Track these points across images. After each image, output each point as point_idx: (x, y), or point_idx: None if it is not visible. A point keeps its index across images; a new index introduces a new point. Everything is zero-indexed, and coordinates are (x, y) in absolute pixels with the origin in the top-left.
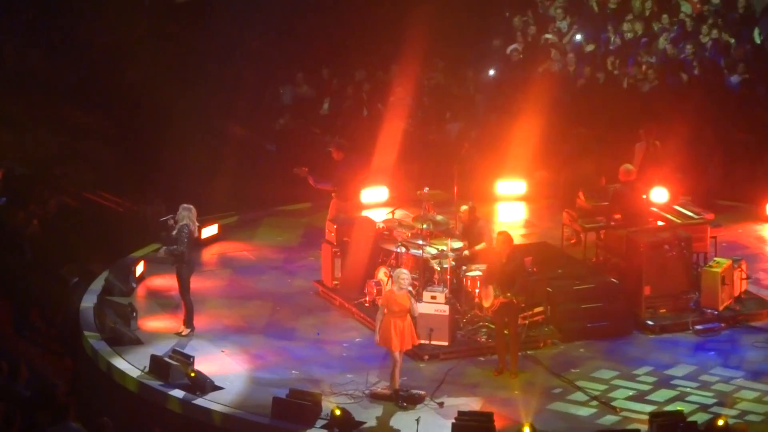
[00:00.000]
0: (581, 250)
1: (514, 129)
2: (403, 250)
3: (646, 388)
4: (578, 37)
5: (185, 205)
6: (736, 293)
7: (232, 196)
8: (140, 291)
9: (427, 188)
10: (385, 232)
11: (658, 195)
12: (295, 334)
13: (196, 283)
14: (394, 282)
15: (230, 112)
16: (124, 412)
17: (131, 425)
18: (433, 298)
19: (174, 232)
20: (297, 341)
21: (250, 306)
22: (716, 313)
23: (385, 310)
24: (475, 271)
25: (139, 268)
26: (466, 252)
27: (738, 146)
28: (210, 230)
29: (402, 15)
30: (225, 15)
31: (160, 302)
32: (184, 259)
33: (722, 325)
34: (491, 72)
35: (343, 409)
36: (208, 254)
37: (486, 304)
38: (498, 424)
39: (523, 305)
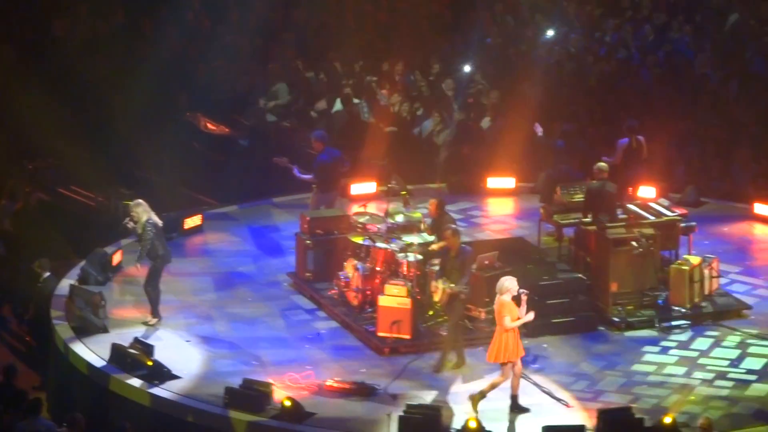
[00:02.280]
0: (559, 245)
1: (503, 125)
2: (370, 243)
3: (604, 384)
4: (550, 32)
5: (136, 201)
6: (707, 291)
7: (207, 189)
8: (117, 280)
9: (393, 182)
10: (358, 226)
11: (646, 192)
12: (263, 325)
13: (173, 271)
14: (507, 291)
15: (203, 106)
16: (96, 407)
17: (103, 419)
18: (396, 291)
19: (139, 232)
20: (264, 332)
21: (222, 297)
22: (684, 311)
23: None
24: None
25: (117, 258)
26: (433, 246)
27: (710, 142)
28: (193, 221)
29: (377, 8)
30: (198, 9)
31: (135, 292)
32: (159, 254)
33: (689, 322)
34: (467, 67)
35: (293, 400)
36: (190, 244)
37: (435, 298)
38: (447, 417)
39: (464, 298)
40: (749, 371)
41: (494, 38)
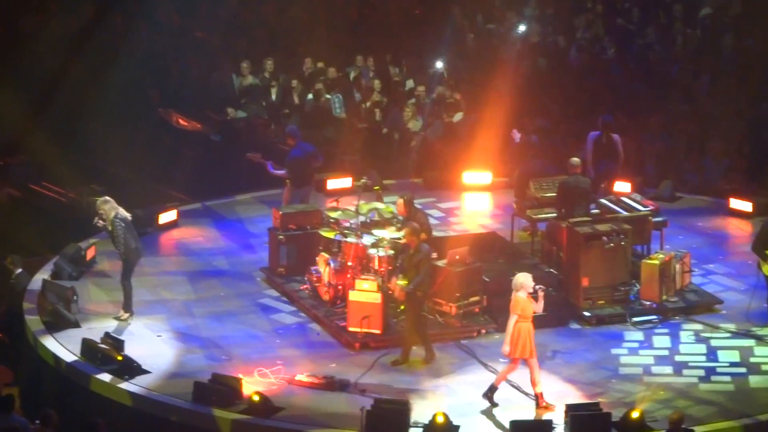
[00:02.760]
0: (532, 240)
1: (475, 120)
2: (341, 238)
3: (573, 378)
4: (522, 27)
5: (103, 198)
6: (678, 286)
7: (179, 185)
8: (90, 275)
9: (365, 177)
10: (330, 221)
11: (621, 188)
12: (235, 320)
13: (146, 266)
14: (522, 287)
15: (174, 102)
16: (67, 401)
17: (74, 414)
18: (366, 285)
19: (110, 229)
20: (235, 327)
21: (195, 292)
22: (655, 305)
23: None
24: None
25: (90, 253)
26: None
27: (681, 136)
28: (169, 216)
29: (348, 3)
30: (169, 5)
31: (108, 286)
32: (131, 247)
33: (660, 317)
34: (438, 64)
35: (261, 395)
36: (165, 239)
37: (399, 296)
38: (415, 411)
39: (421, 295)
40: (720, 365)
41: (466, 33)
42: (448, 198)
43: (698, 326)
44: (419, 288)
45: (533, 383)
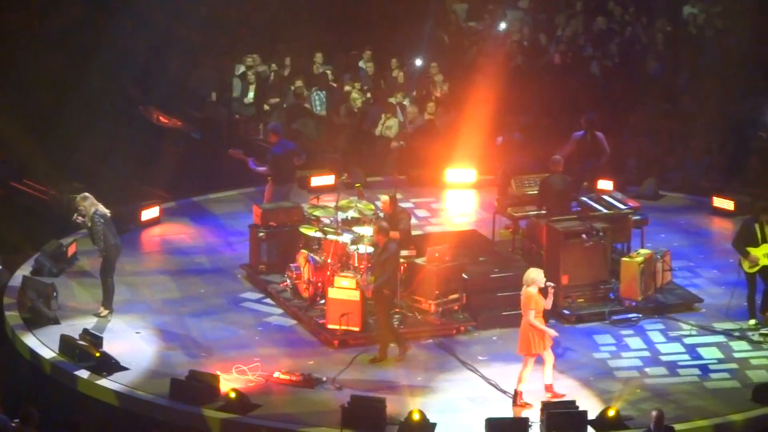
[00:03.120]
0: (514, 238)
1: (461, 117)
2: (321, 235)
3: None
4: (503, 25)
5: (82, 195)
6: (659, 284)
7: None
8: (71, 272)
9: (345, 175)
10: (311, 218)
11: (604, 186)
12: (214, 316)
13: (127, 264)
14: (534, 282)
15: (155, 99)
16: (43, 397)
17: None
18: (344, 283)
19: (89, 225)
20: (213, 323)
21: (175, 289)
22: (635, 303)
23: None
24: None
25: (71, 250)
26: None
27: (662, 135)
28: (151, 212)
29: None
30: (152, 3)
31: (88, 283)
32: (110, 243)
33: (640, 315)
34: (418, 61)
35: (238, 392)
36: (147, 236)
37: (367, 293)
38: (391, 409)
39: (388, 293)
40: (698, 364)
41: (447, 30)
42: (431, 195)
43: (678, 324)
44: (385, 286)
45: (520, 379)
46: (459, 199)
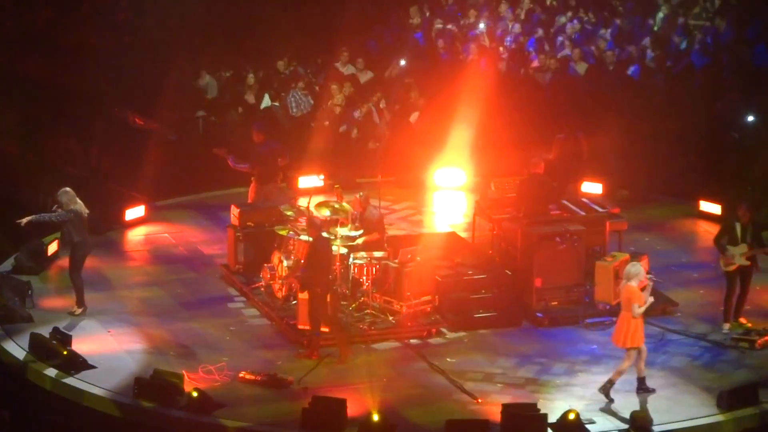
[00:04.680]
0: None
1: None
2: (294, 235)
3: (517, 378)
4: (481, 26)
5: (63, 189)
6: None
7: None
8: (51, 270)
9: (321, 175)
10: (289, 218)
11: (593, 188)
12: (188, 316)
13: (107, 263)
14: (635, 277)
15: (130, 101)
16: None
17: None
18: None
19: (58, 219)
20: (187, 323)
21: (153, 288)
22: (609, 307)
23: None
24: (362, 259)
25: (52, 248)
26: (358, 240)
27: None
28: (135, 212)
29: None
30: (126, 6)
31: (67, 282)
32: (74, 241)
33: (613, 319)
34: (402, 62)
35: (200, 391)
36: (130, 236)
37: (297, 290)
38: (353, 410)
39: (320, 292)
40: (667, 368)
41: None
42: (411, 197)
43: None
44: (315, 283)
45: (639, 370)
46: (446, 201)
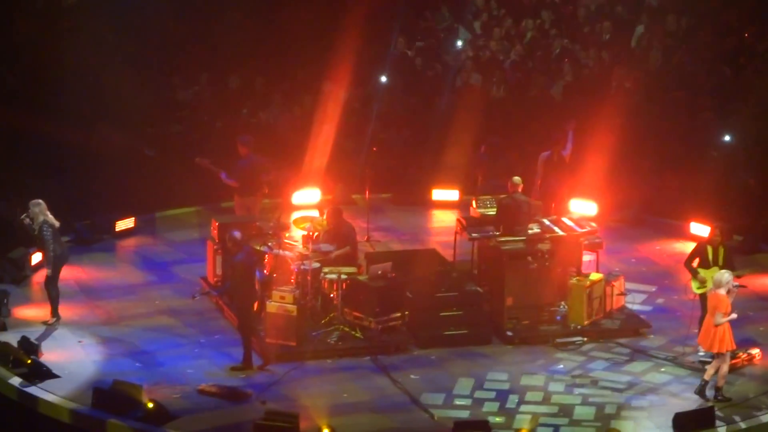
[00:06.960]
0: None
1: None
2: (267, 249)
3: (479, 397)
4: (459, 43)
5: (34, 201)
6: (609, 308)
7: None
8: (33, 279)
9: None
10: (269, 232)
11: (583, 207)
12: (162, 328)
13: (87, 273)
14: (725, 285)
15: (107, 115)
16: None
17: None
18: (282, 298)
19: (35, 233)
20: (158, 334)
21: (131, 298)
22: (580, 327)
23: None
24: (332, 274)
25: (36, 257)
26: (331, 255)
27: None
28: (125, 223)
29: (290, 16)
30: (106, 19)
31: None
32: (55, 254)
33: (585, 339)
34: (383, 78)
35: (156, 402)
36: (117, 247)
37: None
38: (306, 425)
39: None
40: (628, 390)
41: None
42: (415, 213)
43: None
44: (245, 296)
45: (721, 376)
46: (440, 218)
